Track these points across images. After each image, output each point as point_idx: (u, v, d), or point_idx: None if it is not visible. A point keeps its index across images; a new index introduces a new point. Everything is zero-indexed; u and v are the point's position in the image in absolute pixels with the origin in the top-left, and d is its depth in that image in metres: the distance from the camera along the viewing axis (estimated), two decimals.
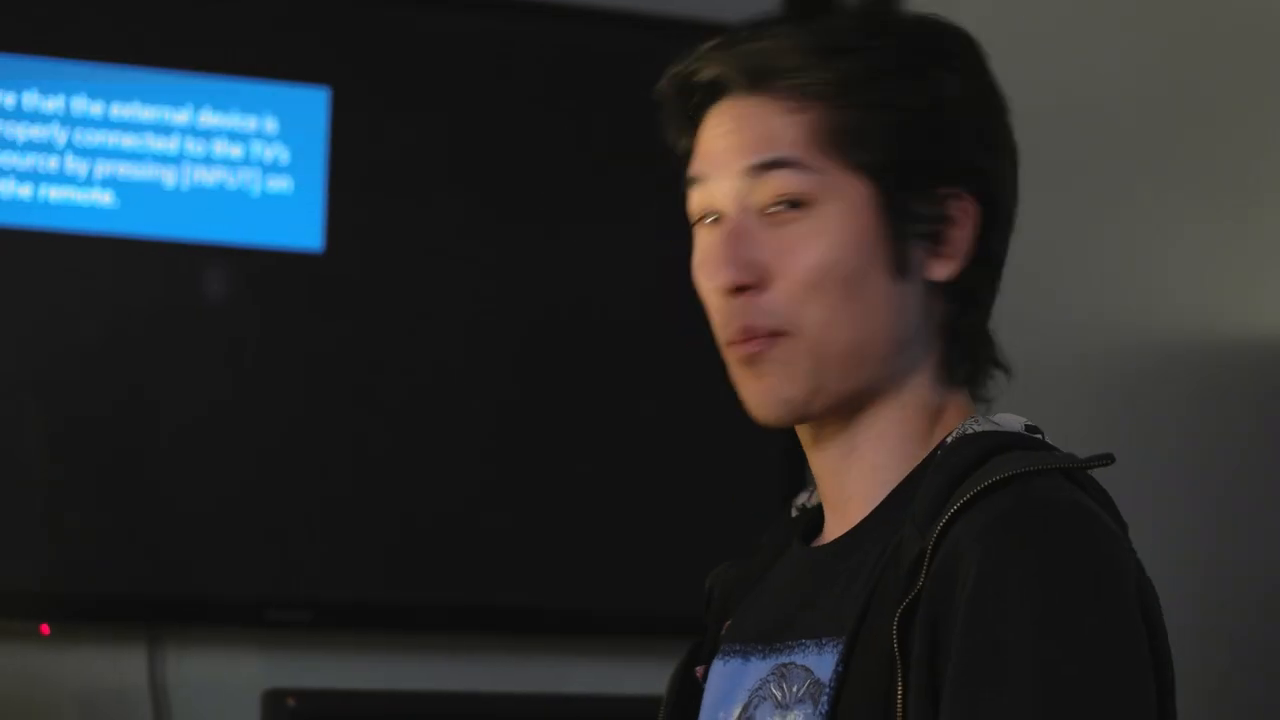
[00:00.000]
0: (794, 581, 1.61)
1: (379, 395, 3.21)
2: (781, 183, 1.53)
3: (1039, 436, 1.54)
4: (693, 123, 1.60)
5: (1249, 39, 3.61)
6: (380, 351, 3.21)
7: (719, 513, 3.28)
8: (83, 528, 3.07)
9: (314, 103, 3.19)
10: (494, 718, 3.18)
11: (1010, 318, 1.65)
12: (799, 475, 3.03)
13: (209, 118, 3.16)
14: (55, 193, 3.10)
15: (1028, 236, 1.67)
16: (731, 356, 1.56)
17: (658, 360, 3.32)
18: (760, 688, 1.56)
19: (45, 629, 3.06)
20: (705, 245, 1.58)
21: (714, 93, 1.58)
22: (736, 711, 1.58)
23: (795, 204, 1.53)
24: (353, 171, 3.20)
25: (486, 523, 3.23)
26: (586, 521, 3.27)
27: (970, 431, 1.53)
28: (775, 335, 1.53)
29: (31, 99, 3.10)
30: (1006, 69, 1.63)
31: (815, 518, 1.67)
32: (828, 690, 1.48)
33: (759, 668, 1.57)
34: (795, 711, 1.51)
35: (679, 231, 3.28)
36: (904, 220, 1.54)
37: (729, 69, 1.56)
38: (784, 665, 1.54)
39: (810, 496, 1.72)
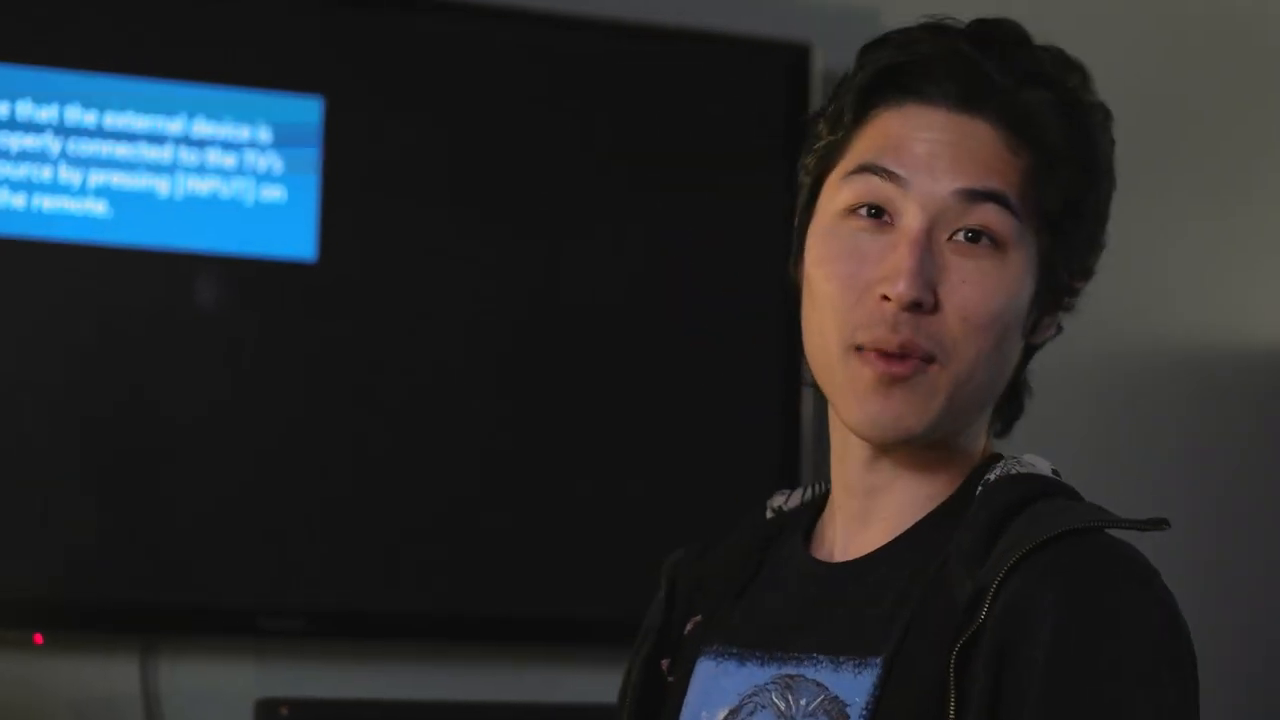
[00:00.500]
0: (799, 590, 1.60)
1: (373, 405, 3.20)
2: (991, 217, 1.52)
3: (1061, 479, 1.57)
4: (869, 105, 1.56)
5: (1249, 40, 3.60)
6: (374, 361, 3.20)
7: (716, 522, 3.25)
8: (76, 537, 3.07)
9: (308, 112, 3.19)
10: None
11: None
12: (796, 486, 3.01)
13: (202, 127, 3.15)
14: (49, 202, 3.10)
15: None
16: (861, 364, 1.52)
17: (656, 368, 3.31)
18: (757, 694, 1.55)
19: (38, 638, 3.05)
20: (869, 245, 1.53)
21: (914, 89, 1.55)
22: (722, 713, 1.56)
23: (993, 242, 1.52)
24: (347, 181, 3.20)
25: (480, 531, 3.22)
26: (582, 530, 3.26)
27: (1013, 472, 1.55)
28: (927, 361, 1.51)
29: (25, 108, 3.10)
30: None
31: (803, 522, 1.66)
32: (861, 712, 1.48)
33: (756, 674, 1.56)
34: None
35: (676, 235, 3.30)
36: (1053, 286, 1.57)
37: (954, 82, 1.54)
38: (789, 676, 1.53)
39: (788, 499, 1.71)
